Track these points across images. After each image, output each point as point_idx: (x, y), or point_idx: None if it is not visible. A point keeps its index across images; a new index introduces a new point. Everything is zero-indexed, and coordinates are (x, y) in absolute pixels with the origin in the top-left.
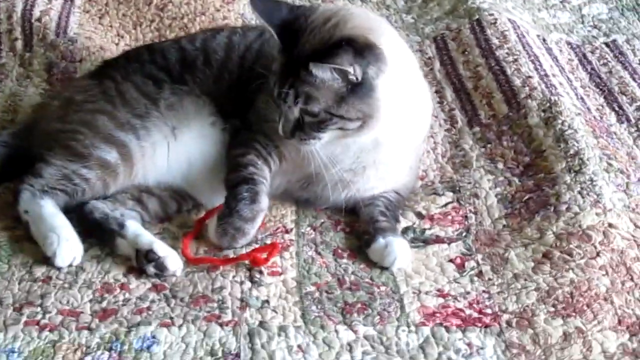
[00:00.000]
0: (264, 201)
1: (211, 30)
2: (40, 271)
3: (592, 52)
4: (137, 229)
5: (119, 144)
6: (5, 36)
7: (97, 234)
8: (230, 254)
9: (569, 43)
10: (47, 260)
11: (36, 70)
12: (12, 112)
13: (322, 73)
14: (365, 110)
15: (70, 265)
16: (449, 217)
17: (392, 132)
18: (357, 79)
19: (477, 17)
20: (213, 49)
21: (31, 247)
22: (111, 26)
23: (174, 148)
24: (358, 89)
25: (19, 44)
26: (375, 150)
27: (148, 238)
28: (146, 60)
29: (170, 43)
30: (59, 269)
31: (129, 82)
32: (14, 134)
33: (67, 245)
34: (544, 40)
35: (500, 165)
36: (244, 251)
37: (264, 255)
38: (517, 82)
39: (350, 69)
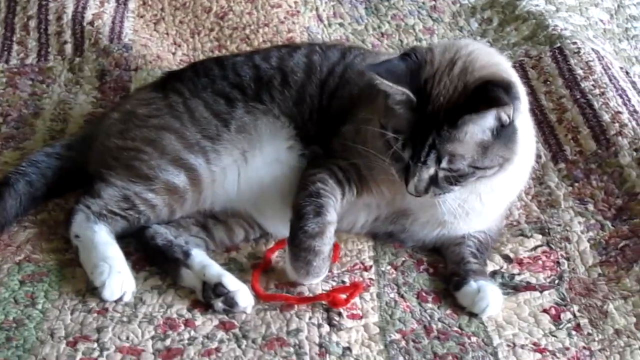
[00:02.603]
0: (331, 214)
1: (286, 47)
2: (94, 301)
3: None
4: (204, 259)
5: (187, 167)
6: (54, 38)
7: (159, 262)
8: (306, 291)
9: None
10: (93, 291)
11: (87, 77)
12: (61, 121)
13: (473, 127)
14: (506, 155)
15: (119, 300)
16: (540, 262)
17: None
18: (503, 124)
19: (558, 44)
20: (291, 69)
21: (84, 273)
22: (167, 34)
23: (244, 173)
24: (502, 134)
25: (69, 48)
26: (484, 193)
27: (216, 270)
28: (217, 76)
29: (242, 59)
30: (116, 301)
31: (199, 99)
32: (67, 145)
33: (118, 277)
34: (627, 73)
35: (591, 207)
36: (320, 290)
37: (344, 296)
38: (606, 117)
39: (505, 116)
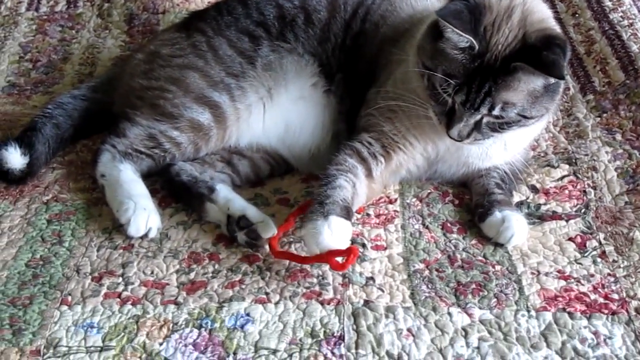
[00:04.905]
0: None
1: None
2: (120, 237)
3: None
4: (228, 194)
5: (212, 104)
6: None
7: (184, 198)
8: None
9: None
10: (119, 228)
11: (115, 21)
12: (90, 64)
13: (527, 75)
14: (548, 106)
15: (144, 236)
16: (566, 192)
17: None
18: (548, 83)
19: None
20: (314, 8)
21: (111, 211)
22: None
23: (270, 109)
24: (551, 87)
25: None
26: (509, 139)
27: (240, 203)
28: (241, 14)
29: None
30: (142, 236)
31: (222, 37)
32: (93, 87)
33: (143, 214)
34: None
35: (619, 137)
36: None
37: (342, 260)
38: (634, 47)
39: (552, 79)
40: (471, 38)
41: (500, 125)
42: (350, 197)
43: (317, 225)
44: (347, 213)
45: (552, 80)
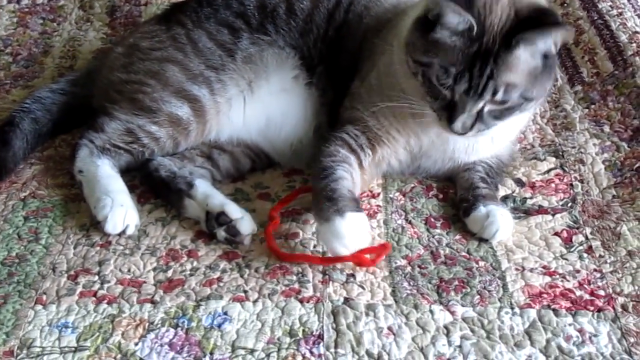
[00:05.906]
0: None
1: None
2: (98, 235)
3: None
4: (207, 189)
5: (191, 98)
6: None
7: (163, 194)
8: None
9: None
10: (97, 225)
11: (97, 13)
12: (70, 58)
13: (527, 50)
14: (546, 86)
15: (122, 233)
16: (552, 185)
17: None
18: (548, 54)
19: None
20: None
21: (89, 208)
22: None
23: (250, 103)
24: (547, 64)
25: None
26: (497, 134)
27: (219, 199)
28: (220, 5)
29: None
30: (119, 233)
31: (202, 30)
32: (72, 81)
33: (120, 211)
34: None
35: (607, 129)
36: None
37: (371, 257)
38: (623, 37)
39: (556, 42)
40: (471, 18)
41: (503, 112)
42: (352, 188)
43: (336, 226)
44: (357, 204)
45: (552, 47)
